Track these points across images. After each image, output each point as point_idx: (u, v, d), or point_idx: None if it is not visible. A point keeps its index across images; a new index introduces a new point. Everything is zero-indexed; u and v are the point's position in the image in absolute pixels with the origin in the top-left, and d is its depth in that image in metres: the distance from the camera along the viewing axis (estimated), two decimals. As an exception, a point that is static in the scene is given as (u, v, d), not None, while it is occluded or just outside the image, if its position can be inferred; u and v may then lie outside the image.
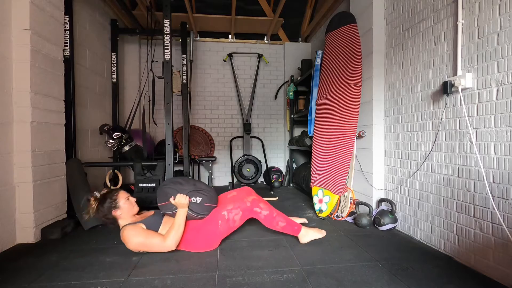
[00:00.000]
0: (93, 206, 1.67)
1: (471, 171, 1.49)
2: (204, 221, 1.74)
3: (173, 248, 1.62)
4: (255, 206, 1.74)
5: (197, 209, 1.72)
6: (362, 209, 2.31)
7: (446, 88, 1.58)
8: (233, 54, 4.26)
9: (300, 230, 1.79)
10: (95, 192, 1.71)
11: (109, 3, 3.24)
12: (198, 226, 1.73)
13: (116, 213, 1.68)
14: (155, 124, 3.13)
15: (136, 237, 1.58)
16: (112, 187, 2.80)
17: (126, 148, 2.79)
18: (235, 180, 3.99)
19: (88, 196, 1.71)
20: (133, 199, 1.77)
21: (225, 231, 1.74)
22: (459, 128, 1.56)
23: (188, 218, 1.72)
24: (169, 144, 2.41)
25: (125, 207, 1.71)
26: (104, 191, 1.75)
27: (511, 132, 1.29)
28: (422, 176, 1.85)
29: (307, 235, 1.80)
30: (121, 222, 1.69)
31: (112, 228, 1.73)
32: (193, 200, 1.70)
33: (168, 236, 1.61)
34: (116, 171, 2.89)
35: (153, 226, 1.67)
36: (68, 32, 2.34)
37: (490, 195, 1.36)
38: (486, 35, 1.42)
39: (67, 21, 2.33)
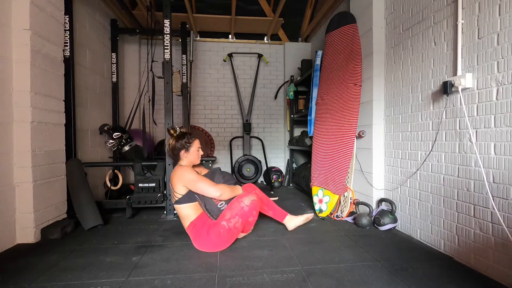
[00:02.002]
0: (172, 135, 1.88)
1: (471, 171, 1.49)
2: (212, 226, 1.73)
3: (217, 195, 1.73)
4: (253, 209, 1.75)
5: (214, 211, 1.76)
6: (362, 209, 2.31)
7: (446, 88, 1.58)
8: (233, 54, 4.26)
9: (283, 219, 1.97)
10: (176, 126, 1.91)
11: (109, 3, 3.24)
12: (209, 228, 1.72)
13: (183, 154, 1.84)
14: (155, 124, 3.13)
15: (190, 174, 1.74)
16: (112, 187, 2.80)
17: (126, 148, 2.79)
18: (235, 180, 3.98)
19: (171, 126, 1.90)
20: (201, 152, 1.92)
21: (229, 238, 1.73)
22: (459, 128, 1.56)
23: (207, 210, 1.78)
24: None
25: (193, 155, 1.87)
26: (184, 130, 1.90)
27: (511, 132, 1.29)
28: (422, 176, 1.85)
29: (292, 220, 1.93)
30: (181, 163, 1.85)
31: (172, 162, 1.87)
32: (220, 205, 1.78)
33: (220, 187, 1.76)
34: (116, 171, 2.89)
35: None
36: (68, 32, 2.35)
37: (490, 195, 1.36)
38: (486, 35, 1.42)
39: (67, 21, 2.34)
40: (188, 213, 1.77)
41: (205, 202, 1.77)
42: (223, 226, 1.69)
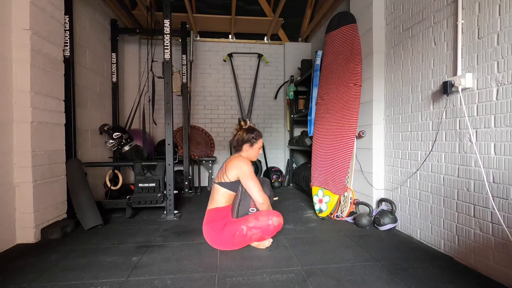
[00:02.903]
0: (242, 126, 1.93)
1: (471, 171, 1.49)
2: (230, 224, 1.73)
3: (260, 202, 1.76)
4: (275, 231, 1.76)
5: (244, 209, 1.79)
6: (362, 209, 2.31)
7: (446, 88, 1.58)
8: (233, 54, 4.26)
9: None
10: (247, 120, 1.98)
11: (109, 3, 3.24)
12: (227, 224, 1.74)
13: (247, 147, 1.89)
14: (155, 124, 3.13)
15: (249, 168, 1.79)
16: (112, 187, 2.80)
17: (126, 148, 2.79)
18: (235, 180, 3.98)
19: (245, 118, 1.98)
20: (260, 152, 1.99)
21: (238, 243, 1.73)
22: (459, 128, 1.56)
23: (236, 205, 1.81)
24: (169, 144, 2.41)
25: (255, 151, 1.93)
26: (253, 125, 1.98)
27: (511, 132, 1.29)
28: (422, 176, 1.85)
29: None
30: (241, 154, 1.91)
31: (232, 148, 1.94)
32: (252, 209, 1.81)
33: (265, 197, 1.79)
34: (116, 171, 2.89)
35: None
36: (68, 32, 2.35)
37: (490, 195, 1.36)
38: (486, 35, 1.42)
39: (67, 21, 2.34)
40: (221, 198, 1.80)
41: (243, 199, 1.80)
42: (241, 229, 1.69)
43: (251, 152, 1.91)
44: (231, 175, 1.78)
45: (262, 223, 1.70)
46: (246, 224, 1.71)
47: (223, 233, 1.70)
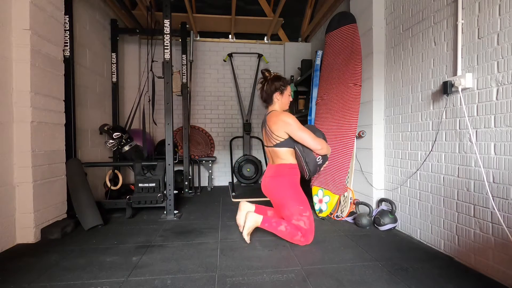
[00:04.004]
0: (267, 77, 1.88)
1: (471, 171, 1.49)
2: (299, 191, 1.84)
3: (318, 148, 1.80)
4: (304, 240, 1.79)
5: (312, 163, 1.84)
6: (362, 209, 2.31)
7: (446, 88, 1.58)
8: (233, 54, 4.26)
9: (260, 223, 1.83)
10: (270, 70, 1.93)
11: (109, 3, 3.24)
12: (295, 185, 1.84)
13: (277, 96, 1.86)
14: (155, 124, 3.13)
15: (293, 120, 1.77)
16: (112, 187, 2.80)
17: (126, 148, 2.79)
18: (235, 180, 3.99)
19: (266, 68, 1.94)
20: (291, 99, 1.96)
21: (291, 213, 1.79)
22: (459, 128, 1.56)
23: (303, 157, 1.85)
24: (169, 144, 2.41)
25: (286, 98, 1.90)
26: (277, 74, 1.93)
27: (511, 132, 1.29)
28: (422, 176, 1.85)
29: (252, 223, 1.81)
30: (273, 107, 1.89)
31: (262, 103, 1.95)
32: (319, 158, 1.86)
33: (320, 141, 1.82)
34: (116, 171, 2.89)
35: None
36: (68, 32, 2.34)
37: (490, 195, 1.36)
38: (486, 35, 1.42)
39: (67, 21, 2.34)
40: (287, 156, 1.83)
41: (306, 156, 1.82)
42: (304, 210, 1.78)
43: (283, 100, 1.89)
44: (281, 134, 1.79)
45: (311, 229, 1.78)
46: (311, 213, 1.81)
47: (290, 192, 1.78)
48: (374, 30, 2.28)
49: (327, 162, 1.98)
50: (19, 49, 1.83)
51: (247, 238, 1.78)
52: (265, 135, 1.90)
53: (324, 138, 1.95)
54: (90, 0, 2.89)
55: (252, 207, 2.00)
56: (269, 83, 1.88)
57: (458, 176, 1.58)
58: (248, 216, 1.80)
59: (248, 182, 3.99)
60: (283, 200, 1.83)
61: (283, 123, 1.78)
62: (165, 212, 2.44)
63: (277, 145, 1.83)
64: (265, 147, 1.89)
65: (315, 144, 1.79)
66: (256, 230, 2.05)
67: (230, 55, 4.24)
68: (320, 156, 1.85)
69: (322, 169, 1.99)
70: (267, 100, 1.92)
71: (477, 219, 1.46)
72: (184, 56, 3.58)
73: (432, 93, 1.77)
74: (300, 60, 3.87)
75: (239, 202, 2.08)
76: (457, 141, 1.58)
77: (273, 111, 1.88)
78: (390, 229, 2.06)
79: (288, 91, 1.93)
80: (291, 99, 1.97)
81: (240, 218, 1.94)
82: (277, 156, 1.88)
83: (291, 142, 1.84)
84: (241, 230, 1.85)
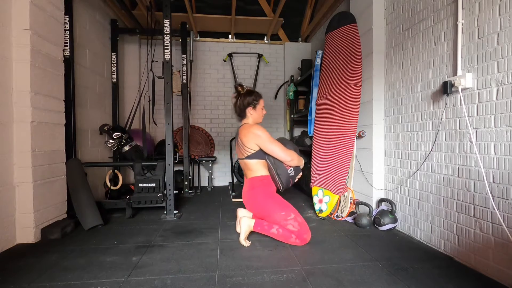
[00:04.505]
0: (240, 92, 1.92)
1: (471, 171, 1.49)
2: (278, 198, 1.86)
3: (288, 160, 1.82)
4: (300, 241, 1.79)
5: (284, 175, 1.85)
6: (362, 209, 2.31)
7: (446, 88, 1.58)
8: (233, 54, 4.26)
9: (253, 228, 1.84)
10: (243, 84, 1.98)
11: (109, 3, 3.24)
12: (272, 194, 1.85)
13: (250, 110, 1.91)
14: (155, 124, 3.13)
15: (263, 132, 1.80)
16: (112, 187, 2.80)
17: (126, 148, 2.79)
18: (235, 180, 3.99)
19: (239, 83, 2.00)
20: (264, 112, 1.99)
21: (271, 219, 1.81)
22: (459, 128, 1.56)
23: (274, 169, 1.88)
24: (169, 144, 2.41)
25: (259, 113, 1.94)
26: (249, 88, 1.97)
27: (511, 132, 1.29)
28: (422, 176, 1.85)
29: (246, 227, 1.82)
30: (247, 121, 1.93)
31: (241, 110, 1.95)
32: (290, 169, 1.89)
33: (290, 152, 1.84)
34: (116, 171, 2.89)
35: None
36: (68, 32, 2.35)
37: (490, 195, 1.36)
38: (486, 35, 1.42)
39: (67, 21, 2.34)
40: (258, 168, 1.86)
41: (277, 168, 1.84)
42: (289, 214, 1.79)
43: (255, 114, 1.93)
44: (251, 146, 1.81)
45: (304, 228, 1.78)
46: (296, 215, 1.79)
47: (270, 202, 1.79)
48: (374, 30, 2.28)
49: (300, 174, 2.00)
50: (19, 49, 1.83)
51: (244, 243, 1.78)
52: (237, 148, 1.93)
53: (296, 150, 1.97)
54: (90, 0, 2.89)
55: (249, 212, 2.01)
56: (242, 98, 1.92)
57: (458, 176, 1.58)
58: (241, 221, 1.83)
59: (248, 182, 3.98)
60: (263, 212, 1.85)
61: (253, 135, 1.81)
62: (165, 212, 2.44)
63: (248, 157, 1.85)
64: (239, 160, 1.91)
65: (285, 156, 1.81)
66: (256, 230, 2.06)
67: (230, 55, 4.24)
68: (292, 168, 1.87)
69: (296, 180, 2.01)
70: (241, 114, 1.96)
71: (477, 219, 1.46)
72: (184, 56, 3.58)
73: (432, 93, 1.77)
74: (300, 60, 3.87)
75: (239, 202, 2.09)
76: (457, 141, 1.58)
77: (245, 124, 1.92)
78: (390, 229, 2.06)
79: (261, 104, 1.96)
80: (264, 112, 2.00)
81: (237, 225, 1.98)
82: (249, 169, 1.90)
83: (262, 154, 1.86)
84: None
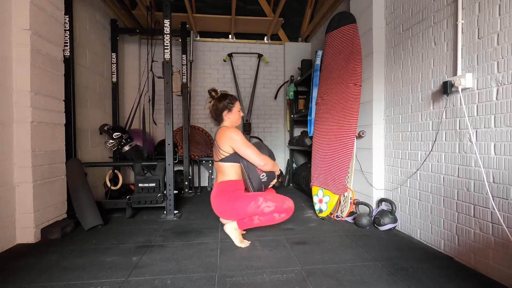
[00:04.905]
0: (214, 96, 1.94)
1: (471, 171, 1.49)
2: (241, 195, 1.81)
3: (261, 165, 1.81)
4: (286, 214, 1.80)
5: (256, 180, 1.84)
6: (362, 209, 2.31)
7: (446, 88, 1.58)
8: (233, 54, 4.26)
9: (239, 227, 1.83)
10: (217, 89, 1.98)
11: (109, 3, 3.24)
12: (236, 196, 1.81)
13: (226, 114, 1.92)
14: (155, 124, 3.13)
15: (238, 136, 1.80)
16: (112, 187, 2.80)
17: (126, 148, 2.79)
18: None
19: (213, 88, 2.01)
20: (241, 114, 2.00)
21: (250, 212, 1.78)
22: (459, 128, 1.56)
23: (248, 175, 1.86)
24: (169, 144, 2.41)
25: (235, 115, 1.95)
26: (224, 92, 1.98)
27: (511, 132, 1.29)
28: (422, 176, 1.85)
29: (233, 231, 1.81)
30: (224, 124, 1.94)
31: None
32: (263, 175, 1.87)
33: (264, 157, 1.83)
34: (116, 171, 2.89)
35: None
36: (68, 32, 2.35)
37: (490, 195, 1.36)
38: (486, 35, 1.42)
39: (67, 21, 2.34)
40: (229, 171, 1.86)
41: (250, 172, 1.84)
42: (257, 199, 1.76)
43: (232, 117, 1.94)
44: (226, 149, 1.82)
45: (279, 200, 1.77)
46: (264, 196, 1.78)
47: (236, 203, 1.76)
48: (374, 30, 2.28)
49: (274, 180, 2.00)
50: (19, 49, 1.83)
51: (241, 245, 1.77)
52: (214, 150, 1.94)
53: (272, 156, 1.97)
54: (90, 0, 2.89)
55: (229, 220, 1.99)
56: (217, 102, 1.94)
57: (458, 176, 1.58)
58: (226, 229, 1.85)
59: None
60: (235, 215, 1.82)
61: (228, 138, 1.82)
62: (165, 212, 2.44)
63: (222, 160, 1.85)
64: (214, 163, 1.93)
65: (258, 160, 1.81)
66: (256, 230, 2.06)
67: (230, 55, 4.24)
68: (264, 173, 1.86)
69: (270, 186, 2.00)
70: (217, 119, 1.98)
71: (477, 219, 1.46)
72: (184, 56, 3.58)
73: (432, 93, 1.77)
74: (300, 60, 3.87)
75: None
76: (457, 141, 1.58)
77: (222, 127, 1.93)
78: (390, 229, 2.06)
79: (237, 107, 1.96)
80: (241, 113, 2.01)
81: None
82: (221, 172, 1.90)
83: (236, 157, 1.86)
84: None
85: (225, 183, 1.87)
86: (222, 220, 1.99)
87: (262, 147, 1.97)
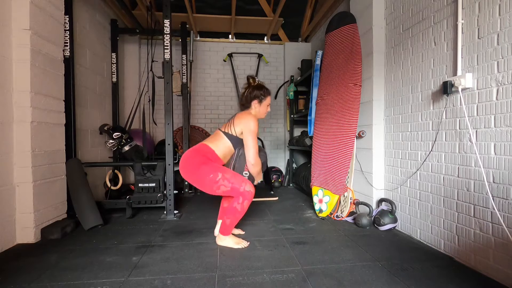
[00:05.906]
0: (251, 84, 1.95)
1: (471, 171, 1.49)
2: (210, 164, 1.76)
3: (251, 163, 1.80)
4: (243, 198, 1.72)
5: (238, 171, 1.83)
6: (362, 209, 2.31)
7: (446, 88, 1.58)
8: (233, 54, 4.26)
9: (224, 235, 1.79)
10: (256, 77, 2.00)
11: (109, 3, 3.24)
12: (206, 161, 1.78)
13: (255, 103, 1.91)
14: (155, 124, 3.13)
15: (255, 126, 1.80)
16: (112, 187, 2.80)
17: (126, 148, 2.79)
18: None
19: (252, 75, 2.03)
20: (269, 109, 2.00)
21: (206, 187, 1.76)
22: (459, 128, 1.56)
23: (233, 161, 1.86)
24: (169, 144, 2.41)
25: (263, 108, 1.95)
26: (262, 83, 1.99)
27: (511, 132, 1.29)
28: (422, 176, 1.85)
29: (224, 240, 1.79)
30: (251, 112, 1.93)
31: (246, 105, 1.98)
32: (245, 173, 1.86)
33: (258, 161, 1.83)
34: (116, 171, 2.89)
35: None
36: (68, 32, 2.35)
37: (490, 195, 1.36)
38: (486, 35, 1.42)
39: (67, 21, 2.34)
40: (221, 146, 1.82)
41: (237, 162, 1.84)
42: (216, 174, 1.72)
43: (259, 109, 1.94)
44: (238, 129, 1.82)
45: (237, 182, 1.71)
46: (224, 173, 1.73)
47: (202, 167, 1.73)
48: (374, 30, 2.28)
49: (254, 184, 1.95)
50: (19, 49, 1.83)
51: (239, 246, 1.77)
52: (227, 124, 1.91)
53: (264, 164, 1.97)
54: (90, 0, 2.89)
55: (217, 226, 1.98)
56: (250, 90, 1.93)
57: (458, 176, 1.58)
58: (218, 240, 1.83)
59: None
60: (193, 174, 1.77)
61: (246, 121, 1.81)
62: (165, 212, 2.44)
63: (227, 135, 1.84)
64: (218, 129, 1.91)
65: (252, 158, 1.79)
66: (256, 230, 2.06)
67: (230, 55, 4.24)
68: (248, 172, 1.85)
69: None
70: (245, 105, 1.96)
71: (477, 219, 1.46)
72: (184, 56, 3.58)
73: (432, 93, 1.77)
74: (300, 60, 3.88)
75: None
76: (457, 141, 1.58)
77: (247, 111, 1.93)
78: (390, 229, 2.06)
79: (267, 101, 1.96)
80: (269, 109, 2.00)
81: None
82: (216, 140, 1.85)
83: (238, 143, 1.85)
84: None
85: (210, 149, 1.81)
86: (215, 232, 1.96)
87: (261, 150, 1.97)
